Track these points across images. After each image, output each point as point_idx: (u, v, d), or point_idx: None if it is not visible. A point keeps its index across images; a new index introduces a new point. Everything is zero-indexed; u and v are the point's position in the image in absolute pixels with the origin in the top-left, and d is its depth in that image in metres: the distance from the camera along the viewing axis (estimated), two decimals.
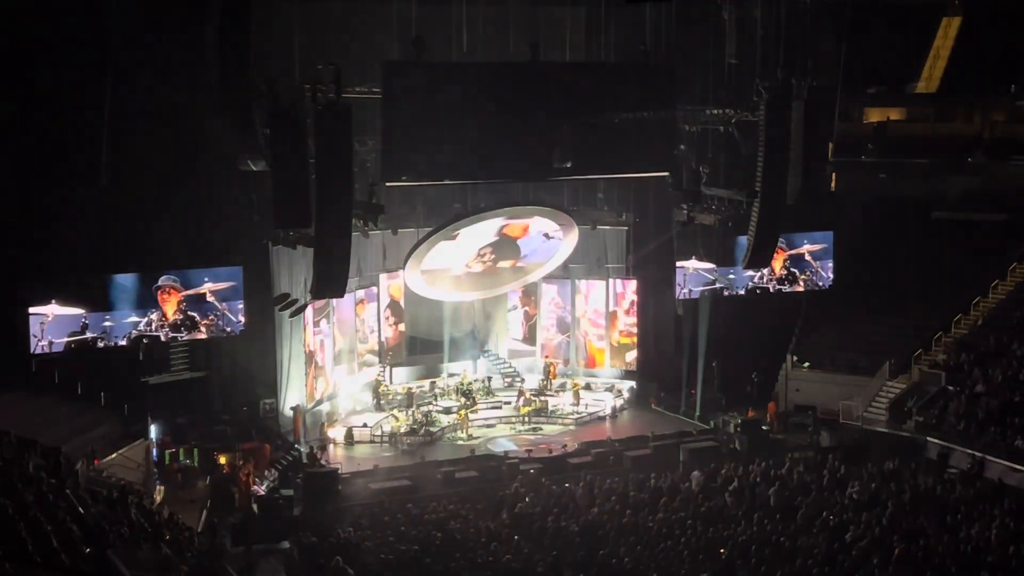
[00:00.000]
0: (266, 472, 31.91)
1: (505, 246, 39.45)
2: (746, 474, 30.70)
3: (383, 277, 39.65)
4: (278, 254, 33.61)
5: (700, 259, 39.19)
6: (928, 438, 34.74)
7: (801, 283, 40.70)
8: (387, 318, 40.32)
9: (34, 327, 30.74)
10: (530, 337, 43.12)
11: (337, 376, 38.12)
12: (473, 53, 33.38)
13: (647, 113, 33.40)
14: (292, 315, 33.35)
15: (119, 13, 30.59)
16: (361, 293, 39.05)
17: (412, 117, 31.11)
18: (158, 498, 29.54)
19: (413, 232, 37.86)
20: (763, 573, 23.37)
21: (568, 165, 33.07)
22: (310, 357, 36.17)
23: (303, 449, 33.55)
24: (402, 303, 40.68)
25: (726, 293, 39.73)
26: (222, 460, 32.24)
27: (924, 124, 46.86)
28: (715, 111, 35.71)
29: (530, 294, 42.86)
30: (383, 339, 40.10)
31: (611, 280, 42.08)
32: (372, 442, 35.92)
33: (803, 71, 35.06)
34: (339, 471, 31.76)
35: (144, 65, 30.76)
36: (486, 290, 40.92)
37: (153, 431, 32.68)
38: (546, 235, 39.56)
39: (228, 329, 33.51)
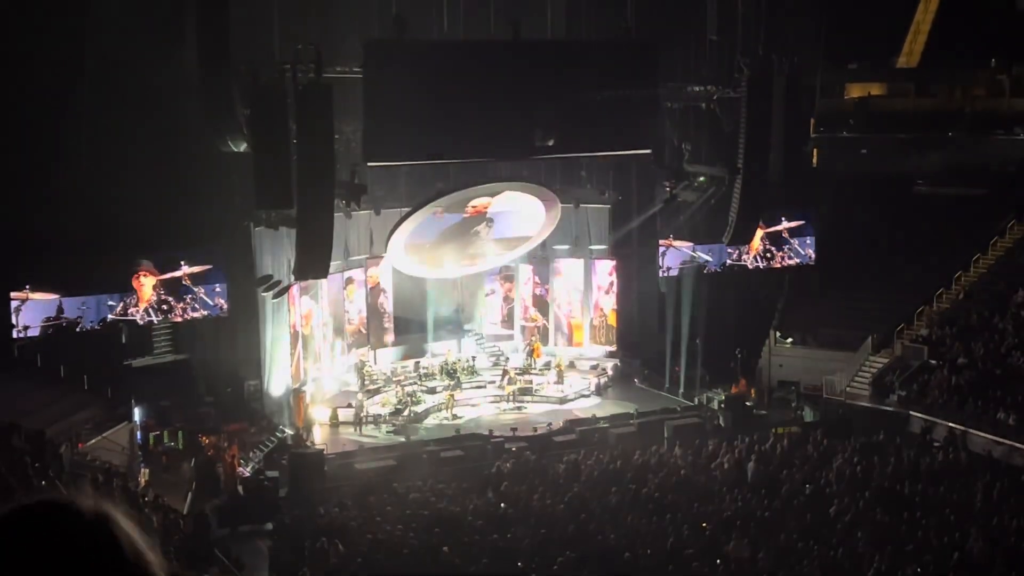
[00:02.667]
0: (251, 453, 31.89)
1: (486, 223, 39.35)
2: (730, 449, 30.84)
3: (368, 261, 39.56)
4: (260, 235, 33.48)
5: (679, 237, 39.24)
6: (911, 412, 34.92)
7: (779, 260, 40.84)
8: (374, 300, 40.27)
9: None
10: (509, 320, 43.13)
11: (323, 357, 38.08)
12: (455, 32, 33.28)
13: (629, 91, 33.35)
14: (275, 296, 33.34)
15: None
16: (348, 274, 39.01)
17: (393, 96, 30.95)
18: (143, 481, 29.47)
19: (397, 212, 37.79)
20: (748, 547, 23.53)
21: (550, 143, 33.03)
22: (295, 338, 36.11)
23: (288, 430, 33.53)
24: (388, 284, 40.60)
25: (706, 271, 39.81)
26: (206, 442, 32.18)
27: (905, 99, 46.93)
28: (697, 88, 35.74)
29: (508, 277, 42.84)
30: (369, 320, 40.05)
31: (593, 259, 42.09)
32: (357, 423, 35.90)
33: (784, 47, 35.10)
34: (324, 452, 31.75)
35: (122, 47, 30.48)
36: (469, 265, 40.81)
37: (137, 414, 32.57)
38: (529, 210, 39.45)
39: (205, 312, 33.43)
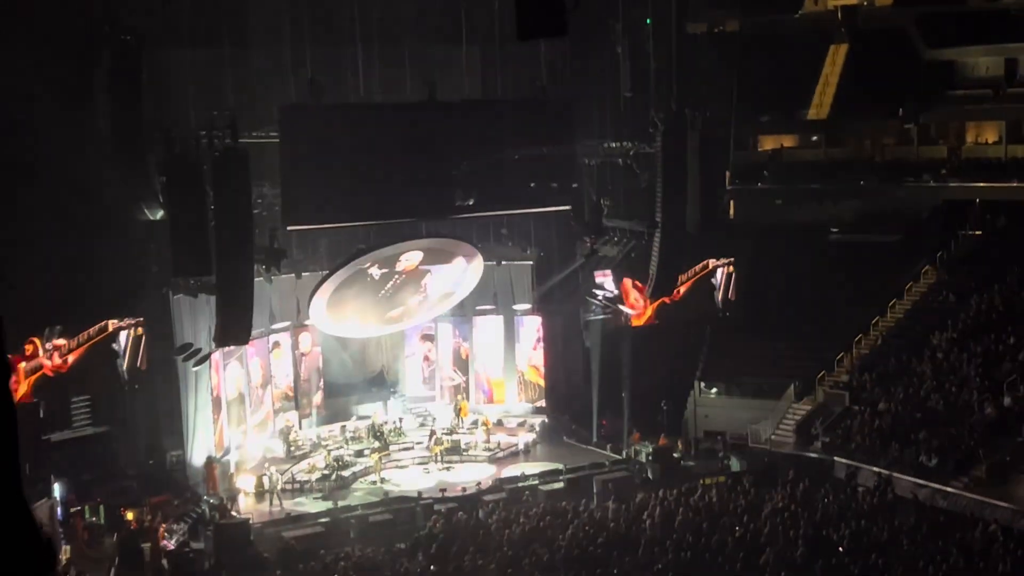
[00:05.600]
0: (175, 526, 31.28)
1: (410, 280, 39.16)
2: (658, 501, 30.87)
3: (295, 328, 39.20)
4: (179, 303, 33.07)
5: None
6: (835, 458, 35.25)
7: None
8: (306, 365, 39.90)
9: None
10: (431, 380, 42.93)
11: (247, 424, 37.57)
12: (371, 94, 33.41)
13: (546, 149, 33.65)
14: (196, 365, 32.88)
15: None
16: (275, 338, 38.65)
17: (311, 160, 30.96)
18: (64, 558, 28.75)
19: (318, 275, 37.56)
20: None
21: (471, 202, 33.18)
22: (217, 406, 35.61)
23: (212, 501, 32.96)
24: (317, 349, 40.26)
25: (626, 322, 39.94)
26: (129, 516, 31.50)
27: (816, 150, 47.83)
28: (613, 144, 36.20)
29: (428, 337, 42.71)
30: (297, 386, 39.65)
31: (519, 316, 42.14)
32: (284, 490, 35.36)
33: (697, 102, 35.68)
34: (250, 521, 31.24)
35: (30, 114, 30.00)
36: (393, 324, 40.55)
37: (57, 489, 31.81)
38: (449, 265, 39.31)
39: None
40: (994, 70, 44.20)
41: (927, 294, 41.55)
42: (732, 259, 38.88)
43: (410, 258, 38.45)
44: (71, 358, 29.98)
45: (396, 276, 38.55)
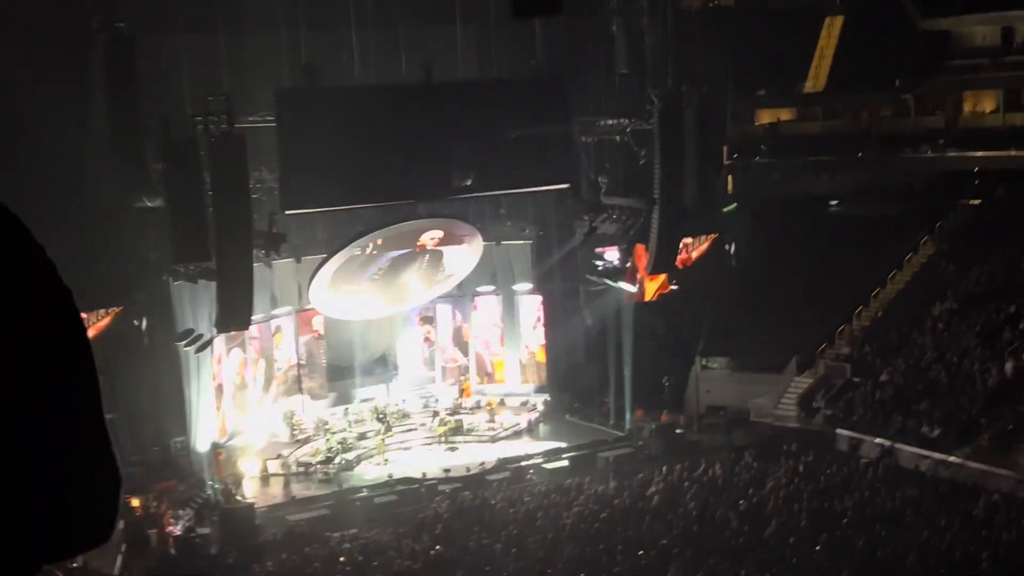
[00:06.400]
0: (181, 511, 31.41)
1: (411, 259, 39.12)
2: (663, 477, 30.98)
3: (292, 310, 39.21)
4: (179, 290, 33.08)
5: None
6: (838, 430, 35.33)
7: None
8: (310, 349, 39.93)
9: None
10: (431, 362, 42.96)
11: (251, 408, 37.64)
12: (366, 77, 33.36)
13: (543, 128, 33.63)
14: (197, 351, 32.94)
15: None
16: (276, 323, 38.68)
17: (308, 144, 30.94)
18: None
19: (317, 259, 37.55)
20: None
21: (468, 182, 33.18)
22: (219, 391, 35.68)
23: (217, 486, 33.07)
24: (319, 333, 40.29)
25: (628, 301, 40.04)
26: (135, 503, 31.61)
27: (814, 123, 47.76)
28: (610, 122, 36.11)
29: (427, 319, 42.72)
30: (300, 370, 39.69)
31: (518, 295, 42.16)
32: (288, 474, 35.51)
33: (693, 77, 35.61)
34: (255, 505, 31.35)
35: (28, 103, 29.98)
36: (394, 304, 40.50)
37: None
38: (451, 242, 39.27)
39: None
40: (991, 39, 44.09)
41: (927, 265, 41.57)
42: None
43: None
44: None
45: (395, 256, 38.53)
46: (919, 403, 34.38)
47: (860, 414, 35.65)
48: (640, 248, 37.25)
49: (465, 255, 39.57)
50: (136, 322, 33.86)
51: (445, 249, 39.00)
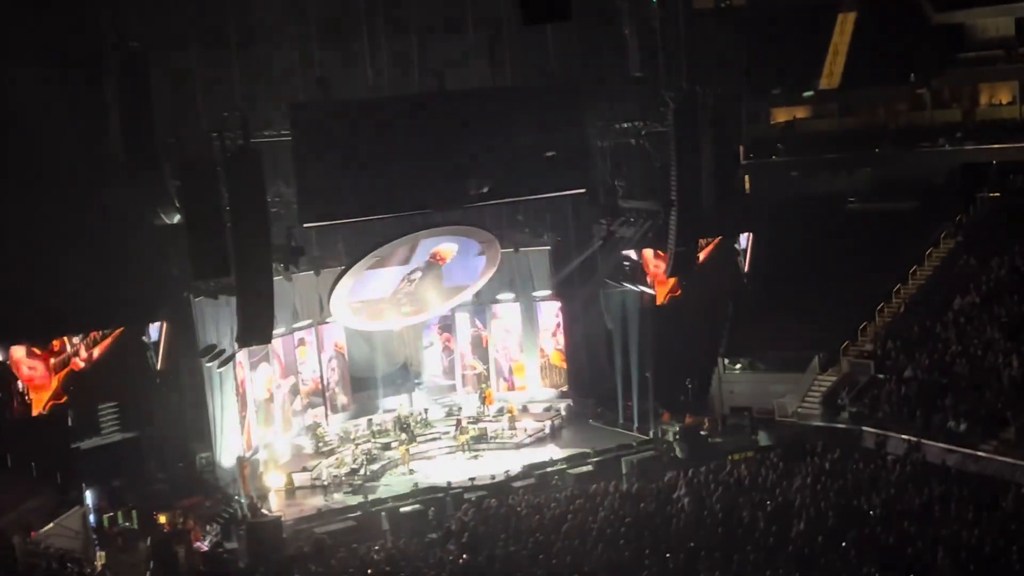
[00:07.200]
0: (208, 527, 31.49)
1: (430, 270, 39.19)
2: (688, 479, 30.89)
3: (314, 323, 39.31)
4: (201, 305, 33.21)
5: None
6: (863, 428, 35.16)
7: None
8: (328, 362, 40.04)
9: None
10: (451, 371, 42.98)
11: (275, 422, 37.74)
12: (380, 88, 33.43)
13: (557, 133, 33.61)
14: (220, 366, 33.07)
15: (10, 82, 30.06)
16: (299, 336, 38.78)
17: (324, 156, 30.99)
18: (99, 564, 28.98)
19: (337, 272, 37.64)
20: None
21: (485, 190, 33.19)
22: (244, 406, 35.79)
23: (243, 500, 33.14)
24: (341, 344, 40.39)
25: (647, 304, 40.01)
26: (162, 519, 31.73)
27: (830, 120, 47.59)
28: (625, 125, 36.11)
29: (446, 327, 42.75)
30: (323, 382, 39.78)
31: (537, 302, 42.16)
32: (314, 486, 35.57)
33: (707, 78, 35.56)
34: (282, 519, 31.39)
35: (44, 125, 30.16)
36: (413, 316, 40.56)
37: (88, 497, 32.11)
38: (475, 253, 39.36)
39: None
40: (1004, 30, 43.89)
41: (947, 259, 41.35)
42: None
43: (434, 248, 38.35)
44: (96, 351, 30.44)
45: (417, 267, 38.59)
46: (944, 398, 34.18)
47: (885, 411, 35.47)
48: (648, 253, 37.25)
49: (482, 264, 39.61)
50: (144, 339, 33.95)
51: (462, 260, 39.07)
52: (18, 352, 31.60)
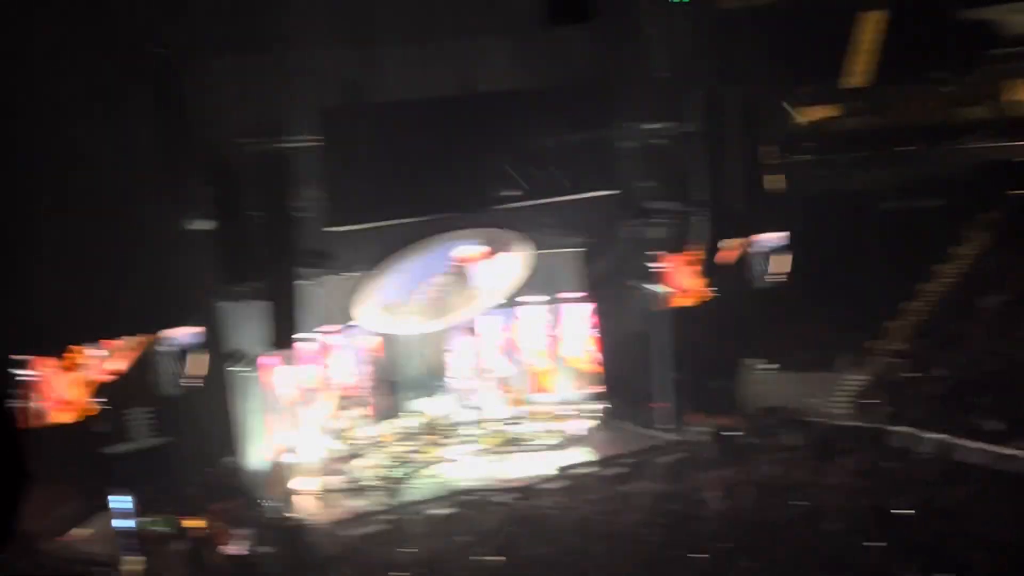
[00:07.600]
0: (237, 532, 31.56)
1: (457, 273, 39.18)
2: (718, 480, 30.83)
3: (341, 327, 39.35)
4: (227, 310, 33.30)
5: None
6: (893, 427, 34.97)
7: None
8: (357, 365, 40.09)
9: None
10: (478, 373, 42.88)
11: (304, 425, 37.81)
12: (407, 91, 33.48)
13: (585, 134, 33.62)
14: (247, 371, 33.19)
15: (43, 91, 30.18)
16: (326, 339, 38.85)
17: (352, 160, 31.12)
18: (131, 569, 29.10)
19: (365, 275, 37.68)
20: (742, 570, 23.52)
21: (514, 192, 33.22)
22: (272, 410, 35.87)
23: (273, 504, 33.22)
24: (369, 347, 40.42)
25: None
26: (192, 524, 31.83)
27: (858, 118, 47.35)
28: (653, 126, 36.03)
29: (474, 330, 42.67)
30: (351, 385, 39.82)
31: (565, 304, 42.08)
32: (345, 490, 35.62)
33: (733, 77, 35.48)
34: (313, 522, 31.45)
35: (72, 135, 30.23)
36: (440, 318, 40.57)
37: (120, 502, 32.21)
38: (497, 256, 39.29)
39: None
40: None
41: (976, 256, 41.12)
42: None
43: (461, 251, 38.37)
44: (128, 357, 30.56)
45: (443, 270, 38.61)
46: (975, 396, 33.98)
47: (915, 409, 35.27)
48: (677, 254, 37.15)
49: (510, 267, 39.57)
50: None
51: (489, 263, 39.03)
52: (48, 360, 31.75)
